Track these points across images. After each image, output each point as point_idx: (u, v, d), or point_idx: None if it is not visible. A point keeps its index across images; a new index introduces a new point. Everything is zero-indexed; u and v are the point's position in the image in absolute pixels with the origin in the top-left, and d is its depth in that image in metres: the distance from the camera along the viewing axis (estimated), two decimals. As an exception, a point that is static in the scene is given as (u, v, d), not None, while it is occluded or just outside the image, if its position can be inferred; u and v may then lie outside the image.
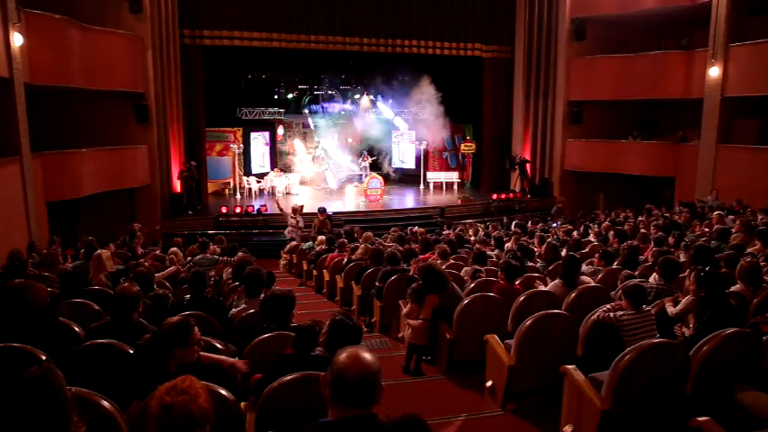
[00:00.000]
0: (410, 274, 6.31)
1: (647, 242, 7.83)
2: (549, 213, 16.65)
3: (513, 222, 13.21)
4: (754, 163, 13.58)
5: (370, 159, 20.31)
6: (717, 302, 3.85)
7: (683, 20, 16.57)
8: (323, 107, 21.34)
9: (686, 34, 16.93)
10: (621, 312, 3.92)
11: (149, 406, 1.97)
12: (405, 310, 5.21)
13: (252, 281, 4.78)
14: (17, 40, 10.17)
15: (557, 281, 5.29)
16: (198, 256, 8.70)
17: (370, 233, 10.51)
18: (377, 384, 1.93)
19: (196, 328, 3.13)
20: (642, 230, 8.85)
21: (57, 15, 11.47)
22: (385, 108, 20.82)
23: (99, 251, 6.29)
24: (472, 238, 11.15)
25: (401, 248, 7.99)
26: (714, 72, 14.23)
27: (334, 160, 20.88)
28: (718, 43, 14.06)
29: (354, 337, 2.97)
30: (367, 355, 1.94)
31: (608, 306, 4.09)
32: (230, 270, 7.41)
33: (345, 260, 8.43)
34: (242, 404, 3.02)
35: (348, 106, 21.40)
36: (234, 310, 4.82)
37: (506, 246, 9.13)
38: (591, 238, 9.94)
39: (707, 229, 8.91)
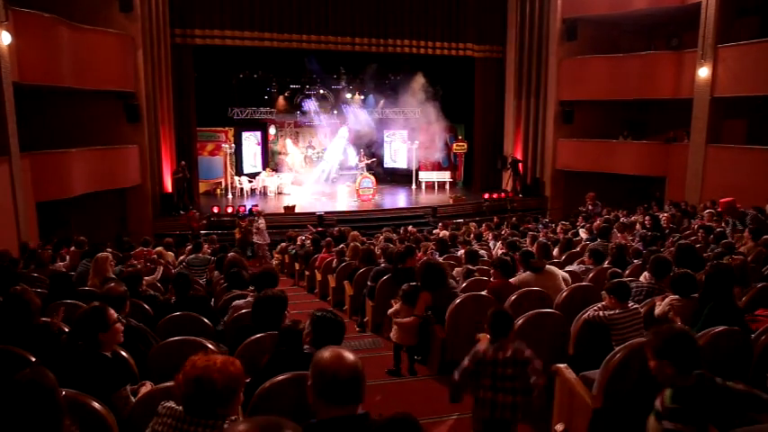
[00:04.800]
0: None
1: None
2: (541, 213, 16.72)
3: (505, 222, 13.22)
4: (743, 163, 13.71)
5: (367, 160, 20.28)
6: (717, 301, 3.85)
7: (672, 21, 16.70)
8: (314, 106, 21.31)
9: (676, 35, 17.06)
10: (611, 311, 3.95)
11: (180, 380, 2.07)
12: (391, 309, 5.12)
13: (234, 279, 4.76)
14: (5, 38, 10.07)
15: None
16: (191, 256, 8.68)
17: (356, 233, 10.53)
18: (363, 382, 1.96)
19: (110, 309, 3.10)
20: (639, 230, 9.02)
21: (46, 14, 11.38)
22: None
23: (99, 254, 6.20)
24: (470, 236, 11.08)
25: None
26: (703, 72, 14.34)
27: (326, 160, 20.90)
28: (708, 44, 14.17)
29: (338, 331, 2.94)
30: (349, 354, 1.98)
31: (598, 305, 4.11)
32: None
33: (336, 261, 8.40)
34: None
35: (340, 105, 21.38)
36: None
37: (498, 245, 9.16)
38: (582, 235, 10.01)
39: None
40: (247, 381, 3.13)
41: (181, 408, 2.13)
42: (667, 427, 2.29)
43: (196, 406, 2.06)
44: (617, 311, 3.93)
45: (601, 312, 3.98)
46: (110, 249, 8.45)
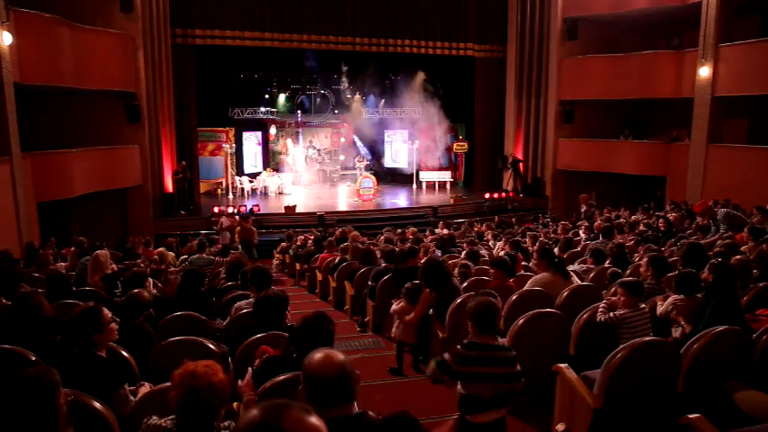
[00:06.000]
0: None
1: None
2: (541, 213, 16.70)
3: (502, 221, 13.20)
4: (744, 162, 13.68)
5: (365, 161, 20.26)
6: (720, 300, 3.86)
7: (673, 20, 16.68)
8: (315, 106, 21.30)
9: (677, 34, 17.05)
10: (622, 311, 3.94)
11: (173, 387, 2.02)
12: (394, 307, 5.13)
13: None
14: (6, 39, 10.08)
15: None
16: (194, 256, 8.70)
17: (356, 233, 10.52)
18: (352, 380, 1.94)
19: (104, 309, 3.09)
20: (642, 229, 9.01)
21: (46, 14, 11.38)
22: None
23: (98, 251, 6.22)
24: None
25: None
26: (704, 72, 14.33)
27: (327, 160, 20.91)
28: (708, 43, 14.16)
29: (323, 341, 2.70)
30: (338, 354, 1.97)
31: (602, 306, 4.09)
32: (224, 270, 7.39)
33: (338, 260, 8.41)
34: (234, 404, 3.01)
35: (340, 105, 21.39)
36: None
37: (499, 244, 9.16)
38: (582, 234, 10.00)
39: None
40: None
41: (168, 424, 2.07)
42: (439, 359, 2.93)
43: (193, 419, 2.00)
44: (627, 311, 3.92)
45: (611, 313, 3.97)
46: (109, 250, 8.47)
